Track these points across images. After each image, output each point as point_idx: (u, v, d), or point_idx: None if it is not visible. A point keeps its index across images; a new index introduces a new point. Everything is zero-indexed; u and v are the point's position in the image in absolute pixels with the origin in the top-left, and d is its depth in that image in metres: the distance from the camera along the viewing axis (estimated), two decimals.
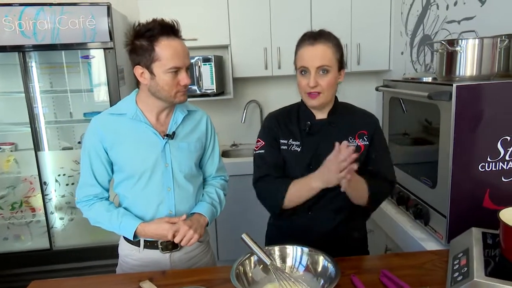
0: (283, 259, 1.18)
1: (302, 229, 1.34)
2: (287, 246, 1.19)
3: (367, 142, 1.33)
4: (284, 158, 1.35)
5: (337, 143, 1.13)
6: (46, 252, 2.78)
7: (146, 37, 1.25)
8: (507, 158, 1.35)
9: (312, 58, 1.23)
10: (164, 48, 1.24)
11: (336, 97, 1.38)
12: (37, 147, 2.64)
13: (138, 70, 1.28)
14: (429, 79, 1.65)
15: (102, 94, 2.79)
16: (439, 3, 2.36)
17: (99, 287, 1.23)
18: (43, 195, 2.70)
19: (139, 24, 1.29)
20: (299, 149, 1.32)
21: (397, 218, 1.71)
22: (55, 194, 2.77)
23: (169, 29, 1.27)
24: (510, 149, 1.35)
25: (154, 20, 1.28)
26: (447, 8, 2.27)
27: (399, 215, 1.74)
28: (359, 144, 1.32)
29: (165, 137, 1.36)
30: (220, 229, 2.94)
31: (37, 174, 2.67)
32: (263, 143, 1.36)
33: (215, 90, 2.87)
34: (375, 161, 1.35)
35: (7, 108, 2.95)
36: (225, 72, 3.15)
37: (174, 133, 1.37)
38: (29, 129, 2.60)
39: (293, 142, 1.33)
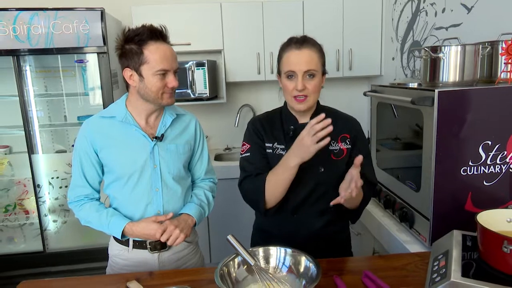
0: (267, 260, 1.20)
1: (288, 233, 1.36)
2: (271, 247, 1.21)
3: (350, 146, 1.36)
4: (269, 161, 1.37)
5: (310, 121, 1.16)
6: (40, 254, 2.80)
7: (135, 41, 1.29)
8: (488, 162, 1.38)
9: (300, 62, 1.25)
10: (152, 51, 1.28)
11: (318, 102, 1.41)
12: (31, 150, 2.66)
13: (127, 72, 1.31)
14: (415, 85, 1.68)
15: (96, 97, 2.81)
16: (428, 10, 2.40)
17: (87, 286, 1.24)
18: (37, 198, 2.72)
19: (128, 29, 1.32)
20: (283, 152, 1.34)
21: (384, 221, 1.74)
22: (48, 197, 2.78)
23: (157, 34, 1.31)
24: (491, 154, 1.38)
25: (143, 26, 1.31)
26: (435, 15, 2.32)
27: (385, 218, 1.77)
28: (341, 147, 1.35)
29: (154, 139, 1.38)
30: (213, 233, 2.96)
31: (31, 176, 2.69)
32: (249, 145, 1.38)
33: (208, 94, 2.90)
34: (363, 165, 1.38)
35: (2, 111, 2.97)
36: (219, 76, 3.18)
37: (162, 135, 1.40)
38: (23, 132, 2.62)
39: (278, 146, 1.36)
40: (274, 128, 1.39)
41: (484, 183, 1.40)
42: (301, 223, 1.36)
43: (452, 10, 2.15)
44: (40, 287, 1.24)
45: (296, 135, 1.35)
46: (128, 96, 1.41)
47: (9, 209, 2.88)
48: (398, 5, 2.81)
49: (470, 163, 1.38)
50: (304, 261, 1.14)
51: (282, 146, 1.35)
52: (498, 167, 1.39)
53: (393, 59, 2.95)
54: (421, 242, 1.51)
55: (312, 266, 1.11)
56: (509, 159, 1.38)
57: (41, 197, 2.73)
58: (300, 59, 1.26)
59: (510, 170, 1.39)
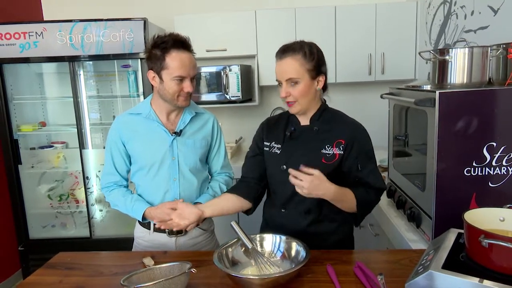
0: (264, 245, 1.31)
1: (280, 225, 1.44)
2: (268, 235, 1.33)
3: (342, 152, 1.38)
4: (265, 158, 1.49)
5: None
6: (87, 240, 3.11)
7: (161, 48, 1.45)
8: (493, 164, 1.38)
9: (281, 72, 1.34)
10: (173, 59, 1.44)
11: (323, 104, 1.46)
12: (82, 145, 2.98)
13: (151, 74, 1.50)
14: (428, 87, 1.70)
15: (141, 99, 3.09)
16: (458, 13, 2.38)
17: (111, 260, 1.44)
18: (86, 189, 3.03)
19: (158, 36, 1.49)
20: (278, 152, 1.44)
21: (395, 221, 1.77)
22: (95, 188, 3.09)
23: (179, 43, 1.46)
24: (496, 155, 1.37)
25: (170, 34, 1.48)
26: (465, 18, 2.29)
27: (398, 219, 1.79)
28: (334, 152, 1.38)
29: (173, 134, 1.55)
30: (241, 223, 3.08)
31: (81, 169, 3.01)
32: (252, 144, 1.56)
33: (241, 97, 3.05)
34: (361, 170, 1.40)
35: (60, 111, 3.35)
36: (252, 80, 3.33)
37: (181, 131, 1.56)
38: (76, 129, 2.95)
39: (275, 145, 1.46)
40: (276, 129, 1.49)
41: (490, 184, 1.40)
42: (289, 218, 1.43)
43: (480, 13, 2.12)
44: (73, 257, 1.44)
45: (294, 136, 1.44)
46: (153, 95, 1.59)
47: (62, 198, 3.23)
48: (431, 9, 2.79)
49: (474, 164, 1.39)
50: (295, 246, 1.24)
51: (279, 146, 1.45)
52: (504, 168, 1.38)
53: (426, 62, 2.91)
54: (425, 241, 1.52)
55: (301, 250, 1.20)
56: None
57: (89, 188, 3.05)
58: (281, 68, 1.34)
59: None
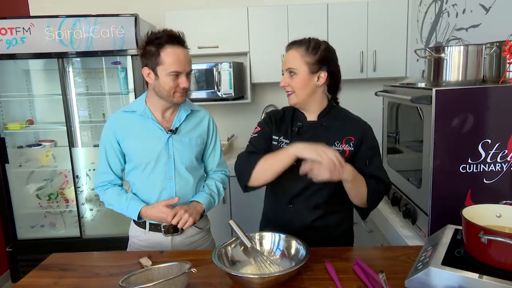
0: (263, 243, 1.31)
1: (285, 222, 1.44)
2: (267, 233, 1.32)
3: (352, 148, 1.40)
4: (272, 149, 1.44)
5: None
6: (77, 239, 3.05)
7: (155, 44, 1.43)
8: (488, 160, 1.40)
9: (284, 62, 1.40)
10: (168, 54, 1.42)
11: (330, 102, 1.46)
12: (71, 144, 2.92)
13: (146, 71, 1.47)
14: (423, 85, 1.71)
15: (131, 97, 3.04)
16: (450, 11, 2.40)
17: (106, 260, 1.41)
18: (76, 188, 2.98)
19: (151, 32, 1.47)
20: (287, 147, 1.43)
21: (390, 218, 1.78)
22: (86, 187, 3.04)
23: (174, 39, 1.44)
24: (491, 152, 1.39)
25: (164, 30, 1.46)
26: (456, 16, 2.31)
27: (392, 215, 1.81)
28: (344, 148, 1.40)
29: (169, 132, 1.53)
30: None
31: (71, 168, 2.95)
32: (259, 129, 1.49)
33: (233, 95, 3.04)
34: (369, 165, 1.42)
35: (49, 108, 3.28)
36: (244, 77, 3.31)
37: (177, 129, 1.54)
38: (65, 127, 2.89)
39: (284, 140, 1.44)
40: (283, 123, 1.48)
41: (484, 180, 1.42)
42: (295, 214, 1.43)
43: (471, 11, 2.14)
44: (67, 258, 1.41)
45: (302, 132, 1.44)
46: (148, 93, 1.56)
47: (52, 197, 3.17)
48: (423, 6, 2.81)
49: (470, 161, 1.41)
50: (295, 245, 1.24)
51: (287, 141, 1.44)
52: (498, 165, 1.40)
53: (417, 60, 2.94)
54: (421, 238, 1.54)
55: (301, 248, 1.20)
56: (510, 158, 1.39)
57: (79, 187, 2.99)
58: (285, 59, 1.41)
59: None
